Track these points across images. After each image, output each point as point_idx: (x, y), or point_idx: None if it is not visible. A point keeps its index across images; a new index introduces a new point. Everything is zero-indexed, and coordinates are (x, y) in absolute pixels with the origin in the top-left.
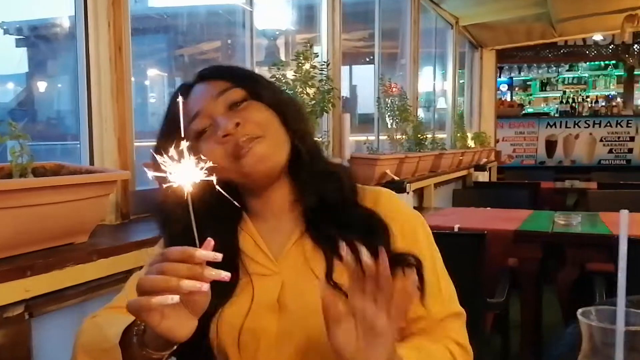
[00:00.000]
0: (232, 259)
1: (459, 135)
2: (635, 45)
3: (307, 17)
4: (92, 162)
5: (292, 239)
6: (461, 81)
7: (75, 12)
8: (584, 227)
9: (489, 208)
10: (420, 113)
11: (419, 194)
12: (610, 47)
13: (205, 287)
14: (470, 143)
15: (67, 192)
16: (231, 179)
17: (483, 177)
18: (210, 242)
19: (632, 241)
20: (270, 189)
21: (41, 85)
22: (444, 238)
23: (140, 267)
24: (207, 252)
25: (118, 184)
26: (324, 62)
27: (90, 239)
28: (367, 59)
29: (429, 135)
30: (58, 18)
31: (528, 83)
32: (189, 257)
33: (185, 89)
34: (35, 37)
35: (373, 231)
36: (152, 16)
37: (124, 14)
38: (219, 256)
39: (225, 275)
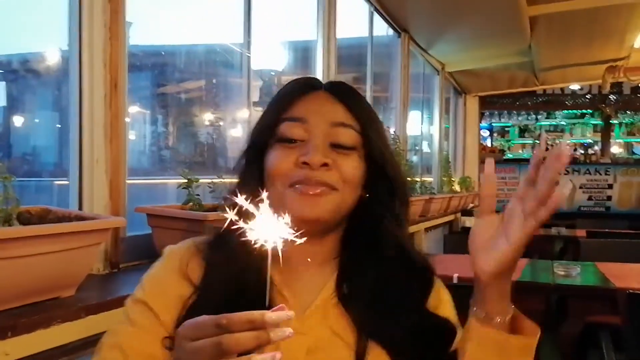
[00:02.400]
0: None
1: (445, 179)
2: (612, 96)
3: (303, 59)
4: (80, 206)
5: (323, 294)
6: (446, 126)
7: (70, 46)
8: (583, 278)
9: None
10: (408, 156)
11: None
12: (588, 96)
13: (279, 355)
14: (456, 187)
15: (56, 242)
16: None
17: (470, 222)
18: (284, 307)
19: (634, 295)
20: (313, 237)
21: (18, 120)
22: (447, 289)
23: None
24: (279, 313)
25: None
26: None
27: (78, 292)
28: None
29: (417, 179)
30: (41, 53)
31: (507, 129)
32: (260, 324)
33: (307, 84)
34: (15, 71)
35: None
36: (135, 54)
37: (121, 49)
38: (292, 315)
39: (290, 332)
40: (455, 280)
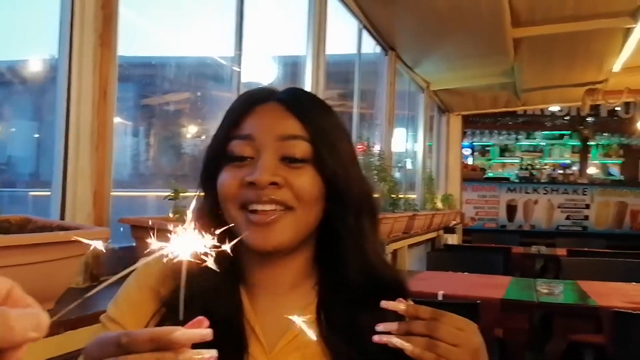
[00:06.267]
0: (238, 339)
1: (428, 196)
2: (589, 118)
3: (292, 74)
4: (62, 216)
5: (293, 328)
6: (429, 144)
7: (59, 52)
8: (566, 297)
9: (466, 273)
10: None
11: (393, 256)
12: (566, 118)
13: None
14: (439, 205)
15: (36, 252)
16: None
17: (452, 239)
18: (204, 321)
19: (620, 314)
20: (278, 259)
21: None
22: (432, 308)
23: None
24: (192, 331)
25: None
26: None
27: (56, 306)
28: None
29: (401, 196)
30: (21, 61)
31: (487, 148)
32: (165, 343)
33: (254, 97)
34: None
35: None
36: (120, 64)
37: (112, 56)
38: (207, 334)
39: (210, 356)
40: (440, 298)
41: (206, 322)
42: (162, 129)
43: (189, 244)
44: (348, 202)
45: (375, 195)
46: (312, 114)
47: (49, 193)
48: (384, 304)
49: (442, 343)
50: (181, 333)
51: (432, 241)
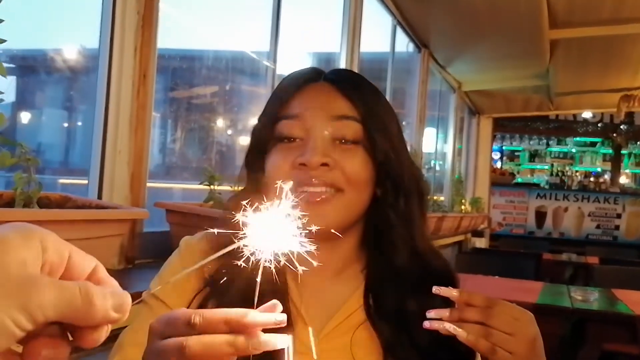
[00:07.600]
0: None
1: (456, 198)
2: (623, 125)
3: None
4: (99, 197)
5: (344, 312)
6: (458, 146)
7: (101, 33)
8: (600, 304)
9: (497, 277)
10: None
11: None
12: (599, 124)
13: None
14: (467, 207)
15: (76, 229)
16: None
17: (480, 243)
18: (277, 305)
19: None
20: (325, 242)
21: (25, 117)
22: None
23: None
24: (266, 315)
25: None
26: None
27: None
28: None
29: (429, 197)
30: (57, 50)
31: (517, 153)
32: (239, 326)
33: (304, 76)
34: (29, 67)
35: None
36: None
37: (153, 38)
38: (283, 319)
39: (284, 342)
40: None
41: (280, 307)
42: (190, 121)
43: (271, 231)
44: (399, 185)
45: (424, 180)
46: (362, 95)
47: (78, 181)
48: (436, 289)
49: (496, 331)
50: (254, 317)
51: (460, 244)
